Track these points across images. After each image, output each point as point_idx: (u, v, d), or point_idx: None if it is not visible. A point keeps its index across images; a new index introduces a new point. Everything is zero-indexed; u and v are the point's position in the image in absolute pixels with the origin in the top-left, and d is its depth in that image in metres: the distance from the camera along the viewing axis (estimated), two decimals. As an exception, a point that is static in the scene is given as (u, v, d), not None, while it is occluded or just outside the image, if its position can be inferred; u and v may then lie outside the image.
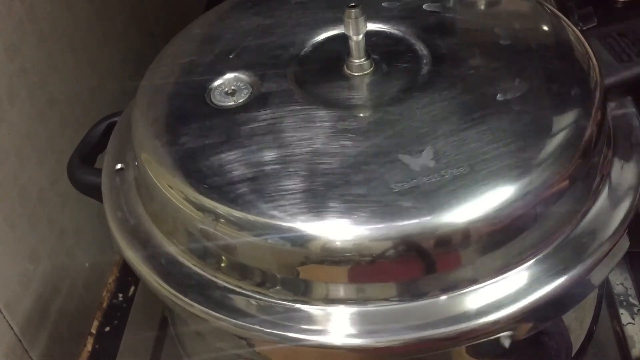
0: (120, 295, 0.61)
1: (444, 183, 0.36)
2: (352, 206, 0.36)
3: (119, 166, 0.46)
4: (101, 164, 0.48)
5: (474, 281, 0.37)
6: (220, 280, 0.39)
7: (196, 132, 0.41)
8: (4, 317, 0.51)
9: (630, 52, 0.46)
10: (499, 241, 0.37)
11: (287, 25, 0.48)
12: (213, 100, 0.43)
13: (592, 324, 0.49)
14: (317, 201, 0.36)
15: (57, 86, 0.59)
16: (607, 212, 0.40)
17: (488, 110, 0.40)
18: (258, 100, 0.42)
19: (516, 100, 0.40)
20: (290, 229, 0.36)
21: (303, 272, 0.37)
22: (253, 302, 0.38)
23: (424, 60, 0.44)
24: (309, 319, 0.37)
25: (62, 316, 0.58)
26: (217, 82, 0.44)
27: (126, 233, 0.42)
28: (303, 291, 0.37)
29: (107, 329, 0.59)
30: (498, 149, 0.38)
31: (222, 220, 0.37)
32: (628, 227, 0.39)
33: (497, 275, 0.37)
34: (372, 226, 0.35)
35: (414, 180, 0.36)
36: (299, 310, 0.37)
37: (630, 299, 0.53)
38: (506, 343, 0.41)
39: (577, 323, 0.48)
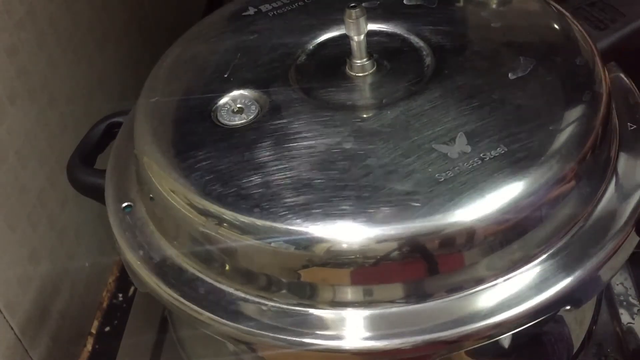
0: (120, 295, 0.61)
1: (486, 165, 0.36)
2: (402, 203, 0.35)
3: (125, 204, 0.44)
4: (101, 164, 0.48)
5: (483, 280, 0.37)
6: (225, 286, 0.39)
7: (216, 154, 0.40)
8: (4, 317, 0.51)
9: (604, 19, 0.47)
10: (509, 239, 0.36)
11: (272, 38, 0.47)
12: (222, 120, 0.42)
13: (592, 324, 0.49)
14: (362, 203, 0.36)
15: (57, 86, 0.59)
16: (616, 203, 0.40)
17: (505, 89, 0.40)
18: (271, 114, 0.42)
19: (528, 77, 0.41)
20: (339, 236, 0.35)
21: (360, 274, 0.36)
22: (264, 307, 0.37)
23: (424, 52, 0.44)
24: (321, 322, 0.37)
25: (62, 316, 0.58)
26: (221, 103, 0.43)
27: (154, 271, 0.40)
28: (335, 295, 0.37)
29: (107, 329, 0.59)
30: (528, 125, 0.38)
31: (248, 229, 0.37)
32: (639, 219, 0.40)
33: (507, 273, 0.37)
34: (429, 220, 0.35)
35: (456, 168, 0.36)
36: (312, 314, 0.37)
37: (630, 299, 0.53)
38: (506, 343, 0.41)
39: (577, 323, 0.48)
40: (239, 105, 0.43)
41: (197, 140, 0.41)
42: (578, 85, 0.41)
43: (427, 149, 0.38)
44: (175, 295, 0.39)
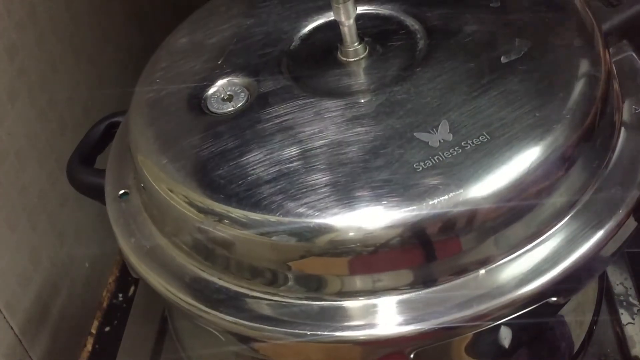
0: (120, 295, 0.61)
1: (466, 155, 0.36)
2: (378, 193, 0.35)
3: (121, 192, 0.45)
4: (101, 164, 0.48)
5: (511, 250, 0.36)
6: (208, 275, 0.39)
7: (201, 143, 0.40)
8: (4, 317, 0.51)
9: None
10: (532, 204, 0.36)
11: (269, 23, 0.47)
12: (211, 108, 0.42)
13: (592, 324, 0.49)
14: (342, 193, 0.35)
15: (57, 86, 0.59)
16: (629, 159, 0.39)
17: (495, 74, 0.39)
18: (258, 102, 0.42)
19: (521, 60, 0.40)
20: (323, 225, 0.35)
21: (350, 266, 0.36)
22: (296, 303, 0.37)
23: (418, 35, 0.43)
24: (354, 313, 0.36)
25: (62, 316, 0.58)
26: (211, 90, 0.43)
27: (143, 258, 0.41)
28: (351, 285, 0.37)
29: (107, 329, 0.59)
30: (514, 112, 0.37)
31: (254, 226, 0.36)
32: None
33: (534, 240, 0.36)
34: (405, 209, 0.34)
35: (436, 157, 0.36)
36: (344, 307, 0.37)
37: (630, 299, 0.53)
38: (506, 343, 0.41)
39: (577, 323, 0.48)
40: (228, 93, 0.43)
41: (186, 131, 0.41)
42: (573, 69, 0.39)
43: (409, 137, 0.37)
44: (164, 283, 0.39)
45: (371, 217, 0.35)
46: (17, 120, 0.53)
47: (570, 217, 0.37)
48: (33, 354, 0.54)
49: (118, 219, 0.44)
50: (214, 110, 0.42)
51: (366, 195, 0.35)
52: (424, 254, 0.36)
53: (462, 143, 0.36)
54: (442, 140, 0.37)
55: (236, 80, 0.43)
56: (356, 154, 0.37)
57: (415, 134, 0.37)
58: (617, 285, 0.54)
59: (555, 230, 0.37)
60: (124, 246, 0.42)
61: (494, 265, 0.36)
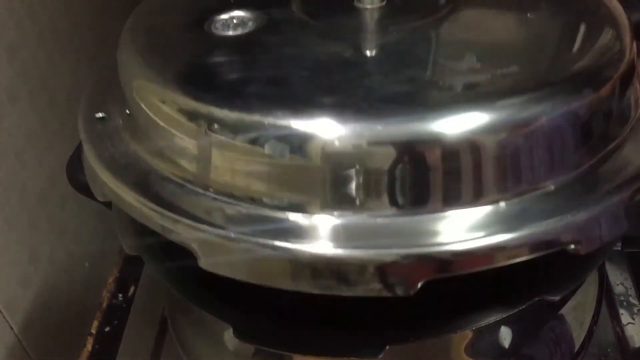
0: (120, 295, 0.61)
1: (496, 80, 0.35)
2: (398, 103, 0.33)
3: (99, 115, 0.42)
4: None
5: (521, 192, 0.34)
6: (193, 186, 0.37)
7: (198, 55, 0.38)
8: (4, 317, 0.51)
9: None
10: (500, 161, 0.34)
11: None
12: (214, 31, 0.40)
13: (592, 324, 0.49)
14: (348, 103, 0.34)
15: (57, 86, 0.59)
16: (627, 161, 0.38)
17: (522, 27, 0.39)
18: (264, 29, 0.40)
19: (548, 19, 0.40)
20: (316, 133, 0.33)
21: (335, 179, 0.34)
22: (240, 210, 0.35)
23: None
24: (299, 228, 0.34)
25: (62, 316, 0.58)
26: (217, 17, 0.41)
27: (117, 172, 0.38)
28: (337, 200, 0.34)
29: (107, 329, 0.59)
30: (545, 55, 0.37)
31: (241, 130, 0.34)
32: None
33: (520, 194, 0.34)
34: (423, 122, 0.32)
35: (463, 80, 0.34)
36: (289, 220, 0.34)
37: (631, 299, 0.53)
38: (506, 343, 0.41)
39: (577, 323, 0.48)
40: (235, 21, 0.41)
41: (181, 45, 0.40)
42: (602, 38, 0.38)
43: (433, 62, 0.36)
44: (136, 196, 0.37)
45: (382, 125, 0.33)
46: (17, 120, 0.53)
47: (583, 169, 0.36)
48: (33, 354, 0.54)
49: (91, 137, 0.41)
50: (217, 33, 0.40)
51: (381, 106, 0.33)
52: (426, 173, 0.33)
53: (492, 70, 0.35)
54: (470, 67, 0.36)
55: (243, 13, 0.42)
56: (372, 68, 0.36)
57: (440, 60, 0.36)
58: (617, 285, 0.54)
59: (560, 185, 0.35)
60: (93, 161, 0.39)
61: (504, 200, 0.34)
